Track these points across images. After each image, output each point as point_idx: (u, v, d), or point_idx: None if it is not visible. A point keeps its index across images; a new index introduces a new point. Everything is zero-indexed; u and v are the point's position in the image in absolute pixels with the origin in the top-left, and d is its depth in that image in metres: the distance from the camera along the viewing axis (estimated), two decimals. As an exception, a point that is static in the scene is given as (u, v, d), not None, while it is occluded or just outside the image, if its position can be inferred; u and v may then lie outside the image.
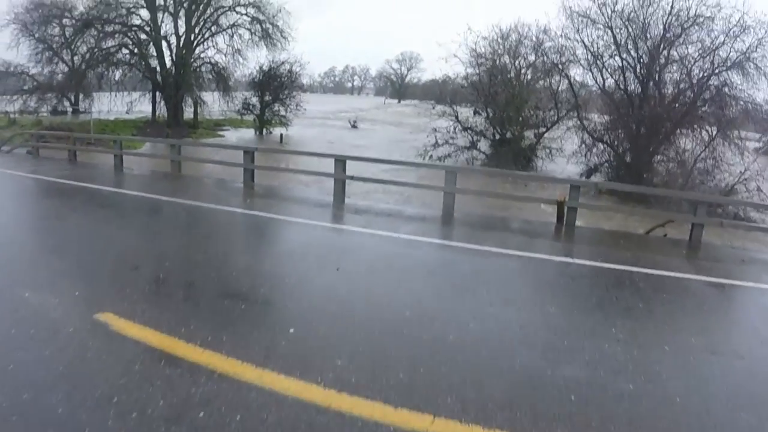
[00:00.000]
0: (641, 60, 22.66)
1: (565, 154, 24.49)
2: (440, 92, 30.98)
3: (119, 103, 36.93)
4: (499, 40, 27.98)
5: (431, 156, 26.24)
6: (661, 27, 21.98)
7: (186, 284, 6.03)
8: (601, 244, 9.48)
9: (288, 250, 8.02)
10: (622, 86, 23.44)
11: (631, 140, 22.43)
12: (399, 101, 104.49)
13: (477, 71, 28.66)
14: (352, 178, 12.26)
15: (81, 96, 39.81)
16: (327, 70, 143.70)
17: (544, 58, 25.69)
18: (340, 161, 12.32)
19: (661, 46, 21.99)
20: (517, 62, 28.18)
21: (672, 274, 7.47)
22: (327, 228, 9.29)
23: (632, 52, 22.85)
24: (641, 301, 6.24)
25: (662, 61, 22.08)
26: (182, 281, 6.14)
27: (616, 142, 23.09)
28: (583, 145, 23.64)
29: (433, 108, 27.52)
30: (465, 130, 26.80)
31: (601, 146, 23.50)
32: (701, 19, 21.30)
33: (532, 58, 27.44)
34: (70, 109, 39.87)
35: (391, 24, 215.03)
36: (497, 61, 28.12)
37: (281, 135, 34.21)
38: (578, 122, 24.08)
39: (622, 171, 21.83)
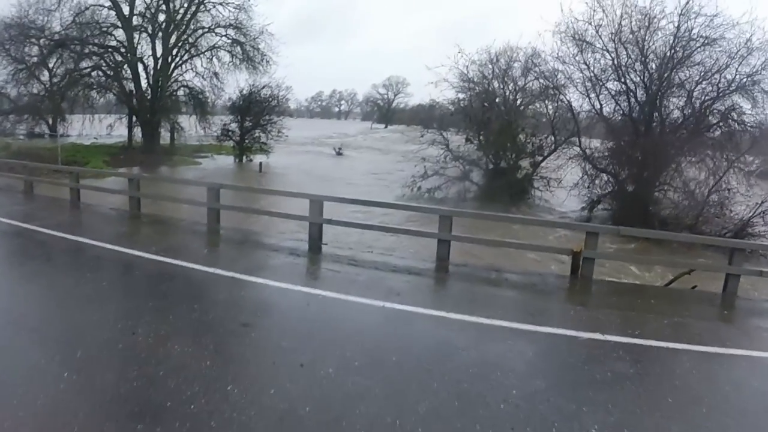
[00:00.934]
0: (644, 84, 21.24)
1: (563, 184, 22.91)
2: (427, 118, 29.31)
3: (99, 127, 35.19)
4: (488, 64, 26.64)
5: (420, 188, 24.59)
6: (664, 50, 20.63)
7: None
8: (630, 308, 7.71)
9: (234, 334, 5.89)
10: (623, 112, 22.04)
11: (634, 169, 20.90)
12: (386, 126, 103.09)
13: (467, 96, 27.29)
14: (329, 221, 10.58)
15: (59, 119, 37.98)
16: (314, 94, 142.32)
17: (538, 81, 24.21)
18: (316, 202, 10.60)
19: (663, 69, 20.59)
20: (507, 87, 26.84)
21: (730, 351, 6.07)
22: (293, 294, 7.39)
23: (633, 76, 21.49)
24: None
25: (665, 84, 20.66)
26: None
27: (619, 172, 21.50)
28: (586, 176, 22.12)
29: (422, 135, 25.78)
30: (456, 160, 25.11)
31: (604, 176, 21.97)
32: (706, 41, 19.99)
33: (521, 82, 26.21)
34: (48, 133, 37.93)
35: (380, 48, 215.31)
36: (488, 86, 26.73)
37: (260, 164, 32.38)
38: (579, 150, 22.58)
39: (626, 204, 20.23)
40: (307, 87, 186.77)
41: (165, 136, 36.60)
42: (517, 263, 11.28)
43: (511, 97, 26.87)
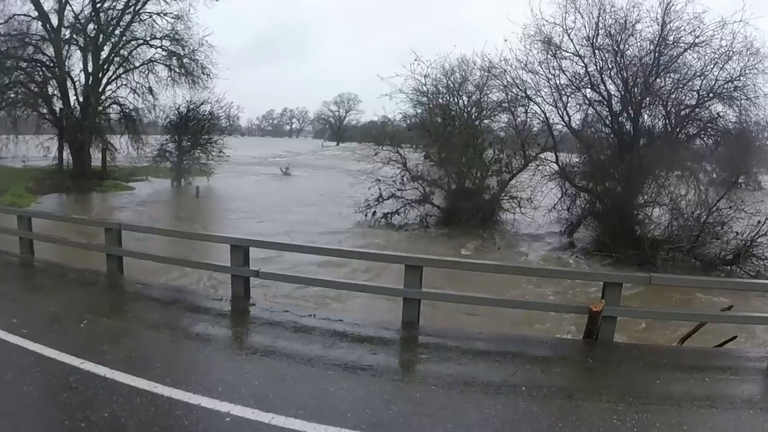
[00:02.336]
0: (623, 92, 19.19)
1: (538, 204, 20.73)
2: (380, 134, 26.84)
3: (36, 149, 31.56)
4: (441, 77, 24.64)
5: (375, 213, 22.08)
6: (642, 55, 18.67)
7: None
8: (669, 398, 5.30)
9: None
10: (603, 122, 19.97)
11: (618, 187, 18.78)
12: (337, 144, 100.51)
13: (424, 110, 25.13)
14: (257, 274, 8.00)
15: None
16: (265, 113, 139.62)
17: (506, 91, 21.87)
18: (239, 248, 8.02)
19: (645, 74, 18.58)
20: (461, 99, 24.85)
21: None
22: (197, 413, 4.77)
23: (609, 83, 19.46)
24: None
25: (646, 92, 18.60)
26: None
27: (600, 190, 19.36)
28: (564, 196, 20.02)
29: (376, 153, 23.26)
30: (415, 180, 22.61)
31: (583, 195, 19.88)
32: (686, 47, 18.14)
33: (479, 95, 24.14)
34: None
35: (332, 68, 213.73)
36: (445, 99, 24.57)
37: (197, 188, 29.32)
38: (555, 167, 20.45)
39: (610, 225, 18.03)
40: (260, 106, 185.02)
41: (98, 158, 33.14)
42: (503, 324, 8.84)
43: (470, 110, 24.70)
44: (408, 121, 25.39)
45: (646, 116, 19.09)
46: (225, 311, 7.76)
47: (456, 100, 25.11)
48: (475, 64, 23.87)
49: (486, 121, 24.55)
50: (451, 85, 25.00)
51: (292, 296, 10.75)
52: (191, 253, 10.77)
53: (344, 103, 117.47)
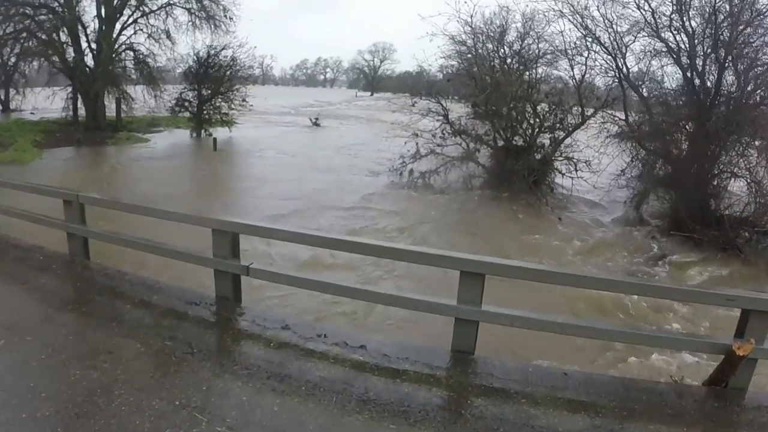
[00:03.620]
0: (698, 42, 15.94)
1: (594, 168, 17.88)
2: (415, 85, 24.14)
3: (48, 101, 29.53)
4: (492, 21, 21.49)
5: (411, 172, 19.49)
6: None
7: None
8: None
9: None
10: (682, 78, 16.73)
11: (692, 153, 15.77)
12: (371, 94, 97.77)
13: (462, 60, 22.39)
14: (246, 271, 5.73)
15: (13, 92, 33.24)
16: (299, 62, 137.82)
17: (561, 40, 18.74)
18: (224, 234, 5.66)
19: (726, 24, 15.24)
20: (506, 48, 21.59)
21: None
22: None
23: (683, 31, 16.17)
24: None
25: (728, 45, 15.28)
26: None
27: (675, 154, 16.29)
28: (635, 161, 17.07)
29: (413, 104, 20.42)
30: (457, 135, 19.90)
31: (653, 160, 16.87)
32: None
33: (530, 41, 20.91)
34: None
35: (365, 15, 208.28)
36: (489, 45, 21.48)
37: (214, 140, 26.84)
38: (623, 124, 17.42)
39: (685, 197, 15.07)
40: (294, 56, 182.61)
41: (114, 109, 30.91)
42: (568, 347, 6.35)
43: (519, 57, 21.41)
44: (445, 72, 22.98)
45: (728, 73, 15.76)
46: (206, 321, 5.58)
47: (502, 49, 21.90)
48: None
49: (540, 69, 21.38)
50: (501, 30, 21.76)
51: (294, 295, 8.45)
52: (180, 231, 8.44)
53: (379, 53, 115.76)
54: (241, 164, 24.10)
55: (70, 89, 29.69)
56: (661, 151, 16.47)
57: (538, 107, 19.18)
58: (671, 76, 17.49)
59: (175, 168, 21.27)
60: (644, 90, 17.97)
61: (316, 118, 39.50)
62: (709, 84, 15.87)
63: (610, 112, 18.12)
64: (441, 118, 19.93)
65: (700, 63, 15.94)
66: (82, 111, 29.70)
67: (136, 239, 6.75)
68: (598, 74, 18.53)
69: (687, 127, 16.12)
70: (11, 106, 33.89)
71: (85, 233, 7.00)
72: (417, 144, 19.69)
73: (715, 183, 15.52)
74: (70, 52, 29.18)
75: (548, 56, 20.15)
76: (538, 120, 19.14)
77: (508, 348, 6.63)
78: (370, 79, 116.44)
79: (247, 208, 15.67)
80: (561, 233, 14.48)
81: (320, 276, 6.98)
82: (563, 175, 18.39)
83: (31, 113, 31.59)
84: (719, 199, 15.20)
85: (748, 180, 14.81)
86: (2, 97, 34.70)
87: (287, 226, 9.72)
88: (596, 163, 17.83)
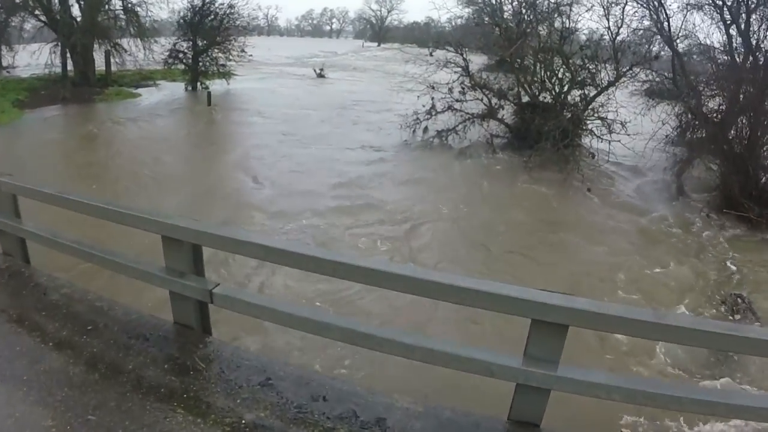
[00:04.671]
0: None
1: (629, 130, 15.76)
2: (423, 36, 22.15)
3: (33, 57, 27.16)
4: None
5: (426, 129, 17.53)
6: None
7: None
8: None
9: None
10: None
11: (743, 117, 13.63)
12: (378, 44, 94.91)
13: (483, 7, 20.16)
14: (210, 297, 4.04)
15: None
16: (305, 13, 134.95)
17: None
18: (179, 244, 4.03)
19: None
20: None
21: None
22: None
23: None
24: None
25: None
26: None
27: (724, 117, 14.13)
28: (683, 123, 15.04)
29: (431, 54, 18.26)
30: (478, 89, 17.73)
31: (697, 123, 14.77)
32: None
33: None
34: None
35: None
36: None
37: (208, 95, 24.52)
38: (668, 82, 15.34)
39: (735, 167, 13.03)
40: (300, 7, 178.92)
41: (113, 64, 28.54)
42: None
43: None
44: (453, 23, 20.81)
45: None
46: (151, 372, 3.84)
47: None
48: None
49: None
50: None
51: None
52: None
53: (386, 2, 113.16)
54: (236, 119, 22.01)
55: (55, 44, 27.29)
56: (707, 115, 14.36)
57: (570, 60, 16.94)
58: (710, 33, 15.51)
59: (158, 130, 19.26)
60: (682, 46, 15.91)
61: (321, 69, 37.01)
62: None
63: (650, 70, 16.03)
64: (459, 69, 17.77)
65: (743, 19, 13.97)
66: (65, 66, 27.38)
67: (73, 244, 4.93)
68: (635, 28, 16.45)
69: (741, 88, 13.99)
70: (2, 63, 31.45)
71: (18, 231, 5.24)
72: (432, 99, 17.65)
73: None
74: (56, 3, 26.71)
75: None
76: (569, 74, 16.92)
77: (589, 414, 4.83)
78: (377, 29, 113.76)
79: (231, 178, 13.95)
80: (603, 214, 12.56)
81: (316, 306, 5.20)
82: (599, 138, 16.18)
83: (7, 71, 29.22)
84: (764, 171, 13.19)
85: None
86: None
87: (270, 238, 7.76)
88: (631, 126, 15.77)
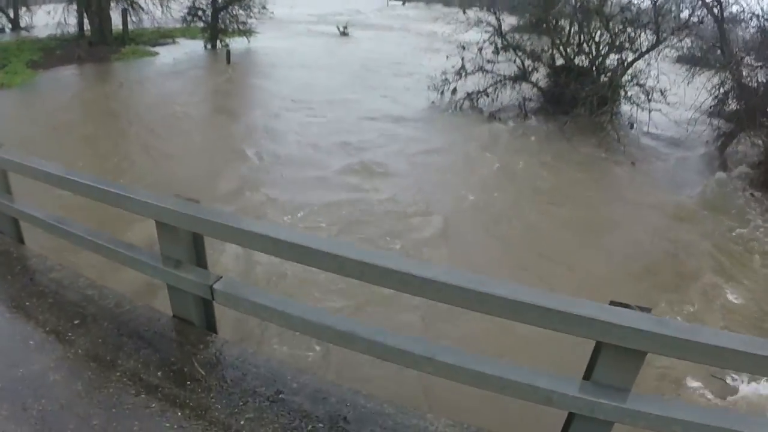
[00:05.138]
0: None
1: (671, 99, 14.71)
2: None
3: (49, 16, 26.50)
4: None
5: (455, 91, 16.67)
6: None
7: None
8: None
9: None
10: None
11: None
12: (404, 3, 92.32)
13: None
14: (210, 292, 3.55)
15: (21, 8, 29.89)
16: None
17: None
18: (173, 231, 3.64)
19: None
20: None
21: None
22: None
23: None
24: None
25: None
26: None
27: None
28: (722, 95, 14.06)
29: (464, 11, 17.28)
30: (510, 50, 16.78)
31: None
32: None
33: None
34: (9, 26, 29.88)
35: None
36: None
37: (227, 53, 23.61)
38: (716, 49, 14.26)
39: None
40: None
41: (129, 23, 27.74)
42: None
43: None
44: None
45: None
46: (153, 371, 3.40)
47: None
48: None
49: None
50: None
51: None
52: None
53: None
54: (255, 79, 21.19)
55: (70, 2, 26.55)
56: (750, 86, 13.36)
57: (610, 23, 15.85)
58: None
59: (180, 84, 18.58)
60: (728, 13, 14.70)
61: (345, 27, 35.79)
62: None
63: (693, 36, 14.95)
64: (490, 30, 16.79)
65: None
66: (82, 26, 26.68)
67: (61, 224, 4.35)
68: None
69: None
70: (21, 24, 30.79)
71: (8, 209, 4.70)
72: (462, 59, 16.73)
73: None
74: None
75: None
76: (607, 37, 15.85)
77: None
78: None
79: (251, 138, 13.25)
80: (645, 188, 11.68)
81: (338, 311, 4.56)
82: (637, 106, 15.13)
83: (25, 31, 28.56)
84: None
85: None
86: (12, 15, 31.51)
87: (282, 229, 7.06)
88: (671, 96, 14.77)
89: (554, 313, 2.59)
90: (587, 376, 2.80)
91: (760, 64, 13.67)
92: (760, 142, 12.78)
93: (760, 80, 13.45)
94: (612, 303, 2.67)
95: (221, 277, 3.49)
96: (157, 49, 25.87)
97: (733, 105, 14.10)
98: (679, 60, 17.16)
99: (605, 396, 2.68)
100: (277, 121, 15.06)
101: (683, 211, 10.60)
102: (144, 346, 3.57)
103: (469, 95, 16.44)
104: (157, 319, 3.85)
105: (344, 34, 34.91)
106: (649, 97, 14.98)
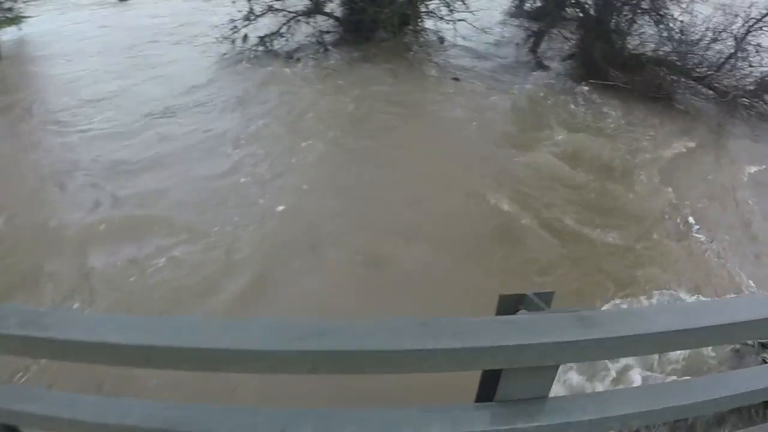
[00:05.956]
0: None
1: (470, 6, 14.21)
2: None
3: None
4: None
5: (246, 37, 14.96)
6: None
7: None
8: None
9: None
10: None
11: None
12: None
13: None
14: None
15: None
16: None
17: None
18: None
19: None
20: None
21: None
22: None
23: None
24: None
25: None
26: None
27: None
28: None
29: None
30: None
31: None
32: None
33: None
34: None
35: None
36: None
37: None
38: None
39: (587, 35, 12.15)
40: None
41: None
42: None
43: None
44: None
45: None
46: None
47: None
48: None
49: None
50: None
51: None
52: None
53: None
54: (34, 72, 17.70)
55: None
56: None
57: None
58: None
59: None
60: None
61: (122, -8, 31.93)
62: None
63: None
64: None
65: None
66: None
67: None
68: None
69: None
70: None
71: None
72: (249, 3, 15.01)
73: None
74: None
75: None
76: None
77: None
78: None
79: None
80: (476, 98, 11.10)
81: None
82: (441, 19, 14.45)
83: None
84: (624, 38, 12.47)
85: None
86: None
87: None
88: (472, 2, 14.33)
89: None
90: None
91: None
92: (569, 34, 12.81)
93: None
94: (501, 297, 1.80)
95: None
96: None
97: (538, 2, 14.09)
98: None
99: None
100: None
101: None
102: None
103: (261, 39, 14.79)
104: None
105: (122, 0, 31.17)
106: (451, 8, 14.32)
